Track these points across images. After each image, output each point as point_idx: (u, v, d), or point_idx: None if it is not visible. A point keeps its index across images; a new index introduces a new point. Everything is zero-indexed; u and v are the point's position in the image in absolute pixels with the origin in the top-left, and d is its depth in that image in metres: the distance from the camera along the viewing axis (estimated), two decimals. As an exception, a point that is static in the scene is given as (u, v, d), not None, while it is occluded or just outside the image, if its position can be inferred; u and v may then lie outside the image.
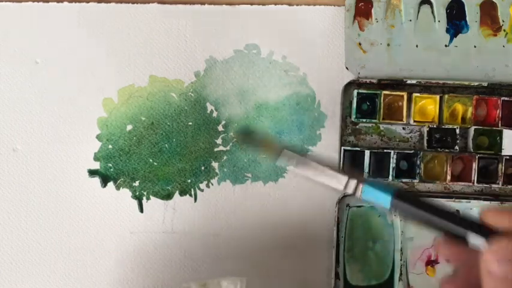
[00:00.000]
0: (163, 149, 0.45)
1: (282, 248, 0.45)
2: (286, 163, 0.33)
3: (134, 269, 0.45)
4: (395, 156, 0.43)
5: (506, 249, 0.27)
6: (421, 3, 0.44)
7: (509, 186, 0.44)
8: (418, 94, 0.44)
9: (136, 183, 0.46)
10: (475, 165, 0.43)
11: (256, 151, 0.42)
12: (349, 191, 0.30)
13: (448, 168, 0.43)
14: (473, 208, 0.44)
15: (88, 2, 0.46)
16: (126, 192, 0.46)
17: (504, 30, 0.44)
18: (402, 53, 0.44)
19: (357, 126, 0.45)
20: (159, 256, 0.46)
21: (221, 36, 0.46)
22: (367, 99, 0.44)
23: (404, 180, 0.44)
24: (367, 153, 0.43)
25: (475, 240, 0.29)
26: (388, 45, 0.44)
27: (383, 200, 0.29)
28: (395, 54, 0.44)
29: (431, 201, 0.30)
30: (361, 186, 0.30)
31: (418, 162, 0.43)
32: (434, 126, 0.43)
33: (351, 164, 0.44)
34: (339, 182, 0.30)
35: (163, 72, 0.46)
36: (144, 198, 0.46)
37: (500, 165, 0.43)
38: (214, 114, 0.46)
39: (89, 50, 0.46)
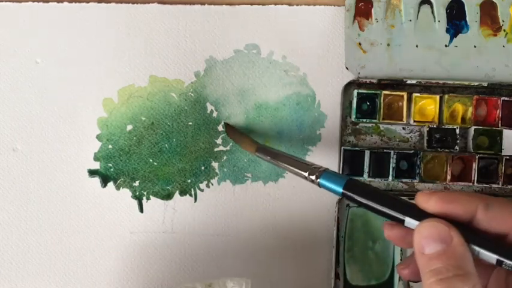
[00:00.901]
0: (163, 149, 0.45)
1: (282, 248, 0.45)
2: (263, 158, 0.41)
3: (134, 269, 0.46)
4: (395, 156, 0.43)
5: (433, 229, 0.29)
6: (421, 3, 0.44)
7: (509, 186, 0.44)
8: (418, 94, 0.44)
9: (136, 183, 0.46)
10: (475, 165, 0.43)
11: (237, 145, 0.45)
12: (313, 178, 0.35)
13: (448, 168, 0.43)
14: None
15: (88, 2, 0.46)
16: (126, 192, 0.46)
17: (504, 30, 0.44)
18: (402, 53, 0.44)
19: (357, 126, 0.45)
20: (159, 256, 0.46)
21: (221, 36, 0.46)
22: (367, 99, 0.44)
23: (404, 180, 0.44)
24: (367, 153, 0.43)
25: (411, 223, 0.31)
26: (388, 45, 0.44)
27: (336, 188, 0.34)
28: (395, 54, 0.44)
29: (377, 190, 0.34)
30: (318, 179, 0.35)
31: (418, 162, 0.43)
32: (434, 126, 0.43)
33: (350, 164, 0.44)
34: (304, 172, 0.36)
35: (163, 72, 0.46)
36: (144, 198, 0.46)
37: (500, 165, 0.43)
38: (214, 114, 0.46)
39: (89, 50, 0.46)
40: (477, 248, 0.29)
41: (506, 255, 0.29)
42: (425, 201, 0.30)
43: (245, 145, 0.43)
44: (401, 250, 0.45)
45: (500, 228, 0.29)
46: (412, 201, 0.32)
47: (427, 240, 0.29)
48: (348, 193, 0.33)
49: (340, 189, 0.33)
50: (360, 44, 0.44)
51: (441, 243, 0.28)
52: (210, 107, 0.46)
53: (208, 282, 0.39)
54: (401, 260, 0.45)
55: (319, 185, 0.35)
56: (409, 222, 0.31)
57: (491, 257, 0.29)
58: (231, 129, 0.45)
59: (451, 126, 0.43)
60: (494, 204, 0.30)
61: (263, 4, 0.46)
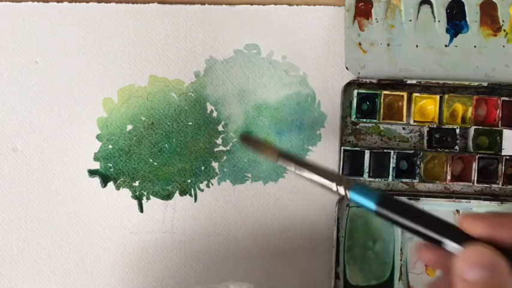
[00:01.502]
0: (163, 149, 0.45)
1: (282, 248, 0.45)
2: (285, 165, 0.36)
3: (134, 269, 0.46)
4: (395, 156, 0.43)
5: (478, 256, 0.27)
6: (421, 3, 0.44)
7: (509, 186, 0.44)
8: (418, 94, 0.44)
9: (136, 183, 0.46)
10: (475, 165, 0.43)
11: (256, 153, 0.43)
12: (341, 192, 0.32)
13: (448, 168, 0.43)
14: (473, 208, 0.44)
15: (88, 2, 0.46)
16: (126, 192, 0.46)
17: (504, 30, 0.44)
18: (402, 53, 0.44)
19: (357, 126, 0.45)
20: (159, 256, 0.46)
21: (221, 36, 0.46)
22: (367, 99, 0.44)
23: (404, 180, 0.44)
24: (367, 153, 0.43)
25: (451, 246, 0.29)
26: (388, 45, 0.44)
27: (368, 205, 0.31)
28: (395, 54, 0.44)
29: (412, 207, 0.31)
30: (348, 192, 0.31)
31: (418, 162, 0.43)
32: (434, 126, 0.43)
33: (350, 164, 0.44)
34: (330, 186, 0.32)
35: (163, 72, 0.46)
36: (144, 198, 0.46)
37: (500, 165, 0.43)
38: (214, 114, 0.46)
39: (89, 50, 0.46)
40: None
41: None
42: (471, 223, 0.29)
43: (267, 153, 0.38)
44: (401, 250, 0.45)
45: None
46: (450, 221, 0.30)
47: (471, 265, 0.27)
48: (383, 210, 0.30)
49: (372, 206, 0.30)
50: (360, 44, 0.44)
51: (486, 270, 0.27)
52: (210, 107, 0.46)
53: (211, 286, 0.39)
54: (401, 260, 0.45)
55: (349, 198, 0.32)
56: (450, 245, 0.29)
57: None
58: (246, 139, 0.41)
59: (451, 126, 0.43)
60: None
61: (263, 4, 0.46)
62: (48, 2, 0.46)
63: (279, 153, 0.37)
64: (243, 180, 0.46)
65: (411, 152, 0.44)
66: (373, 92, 0.44)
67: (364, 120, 0.44)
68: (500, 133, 0.43)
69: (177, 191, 0.46)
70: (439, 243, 0.29)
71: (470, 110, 0.44)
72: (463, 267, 0.28)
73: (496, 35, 0.44)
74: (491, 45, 0.44)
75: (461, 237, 0.29)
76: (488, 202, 0.44)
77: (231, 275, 0.45)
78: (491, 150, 0.43)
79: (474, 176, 0.43)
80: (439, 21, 0.44)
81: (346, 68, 0.44)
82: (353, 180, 0.32)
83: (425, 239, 0.30)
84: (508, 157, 0.43)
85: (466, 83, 0.44)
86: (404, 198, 0.44)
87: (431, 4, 0.44)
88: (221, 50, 0.46)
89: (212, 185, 0.46)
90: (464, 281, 0.27)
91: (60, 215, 0.46)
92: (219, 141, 0.46)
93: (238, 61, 0.46)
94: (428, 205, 0.44)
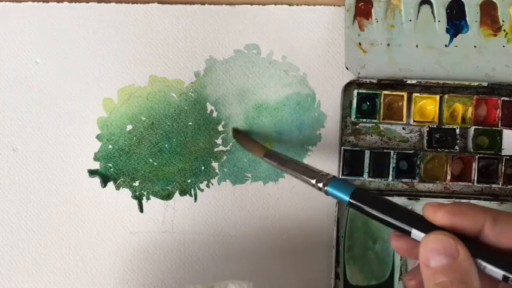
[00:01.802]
0: (163, 149, 0.45)
1: (282, 248, 0.45)
2: (270, 163, 0.40)
3: (134, 269, 0.46)
4: (395, 156, 0.43)
5: (439, 243, 0.28)
6: (421, 3, 0.44)
7: (509, 186, 0.44)
8: (418, 94, 0.44)
9: (136, 183, 0.46)
10: (475, 165, 0.43)
11: (243, 149, 0.45)
12: (320, 187, 0.35)
13: (448, 168, 0.43)
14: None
15: (88, 2, 0.46)
16: (126, 192, 0.46)
17: (504, 30, 0.44)
18: (402, 53, 0.44)
19: (357, 126, 0.45)
20: (159, 256, 0.46)
21: (221, 36, 0.46)
22: (367, 99, 0.44)
23: (404, 180, 0.44)
24: (367, 153, 0.43)
25: (416, 235, 0.30)
26: (388, 45, 0.44)
27: (343, 197, 0.33)
28: (395, 54, 0.44)
29: (382, 199, 0.33)
30: (326, 187, 0.34)
31: (418, 162, 0.43)
32: (434, 126, 0.43)
33: (350, 164, 0.44)
34: (312, 182, 0.35)
35: (163, 72, 0.46)
36: (144, 198, 0.46)
37: (500, 165, 0.43)
38: (214, 114, 0.46)
39: (89, 50, 0.46)
40: (483, 263, 0.29)
41: None
42: (433, 213, 0.30)
43: (253, 150, 0.43)
44: (401, 250, 0.45)
45: (508, 243, 0.29)
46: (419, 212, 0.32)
47: (432, 253, 0.28)
48: (355, 202, 0.33)
49: (347, 198, 0.33)
50: (360, 44, 0.44)
51: (447, 256, 0.28)
52: (210, 107, 0.46)
53: (210, 284, 0.39)
54: (401, 260, 0.45)
55: (327, 192, 0.34)
56: (416, 234, 0.30)
57: (497, 272, 0.29)
58: (238, 135, 0.45)
59: (451, 126, 0.43)
60: (502, 219, 0.29)
61: (263, 4, 0.46)
62: (48, 2, 0.46)
63: (265, 151, 0.41)
64: (243, 180, 0.46)
65: (411, 152, 0.44)
66: (373, 92, 0.44)
67: (364, 120, 0.44)
68: (500, 133, 0.43)
69: (177, 191, 0.46)
70: (408, 233, 0.31)
71: (470, 110, 0.44)
72: (424, 254, 0.29)
73: (496, 35, 0.44)
74: (491, 45, 0.44)
75: (426, 226, 0.30)
76: (488, 202, 0.44)
77: (231, 275, 0.45)
78: (491, 150, 0.43)
79: (474, 176, 0.43)
80: (439, 21, 0.44)
81: (346, 68, 0.44)
82: (331, 176, 0.35)
83: (396, 229, 0.31)
84: (508, 157, 0.43)
85: (466, 83, 0.44)
86: (404, 199, 0.44)
87: (431, 4, 0.44)
88: (221, 50, 0.46)
89: (212, 185, 0.46)
90: (427, 267, 0.28)
91: (60, 215, 0.46)
92: (219, 141, 0.46)
93: (238, 61, 0.46)
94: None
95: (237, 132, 0.45)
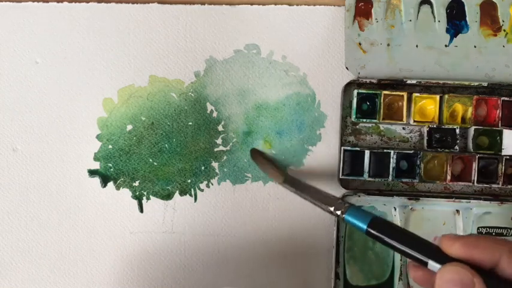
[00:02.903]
0: (163, 149, 0.45)
1: (282, 248, 0.45)
2: (288, 189, 0.41)
3: (134, 269, 0.46)
4: (395, 156, 0.43)
5: (455, 274, 0.28)
6: (421, 3, 0.44)
7: (509, 186, 0.44)
8: (418, 94, 0.44)
9: (136, 183, 0.46)
10: (475, 165, 0.43)
11: (261, 171, 0.45)
12: (339, 215, 0.36)
13: (448, 168, 0.43)
14: (473, 208, 0.44)
15: (88, 2, 0.46)
16: (126, 192, 0.46)
17: (504, 30, 0.44)
18: (402, 53, 0.44)
19: (357, 126, 0.45)
20: (159, 256, 0.46)
21: (221, 36, 0.46)
22: (367, 99, 0.44)
23: (404, 180, 0.44)
24: (367, 153, 0.43)
25: (433, 266, 0.30)
26: (388, 45, 0.44)
27: (361, 225, 0.34)
28: (395, 54, 0.44)
29: (400, 229, 0.34)
30: (343, 215, 0.35)
31: (418, 162, 0.43)
32: (434, 126, 0.43)
33: (350, 164, 0.44)
34: (330, 209, 0.37)
35: (163, 72, 0.46)
36: (144, 198, 0.46)
37: (500, 165, 0.43)
38: (214, 114, 0.46)
39: (89, 50, 0.46)
40: None
41: None
42: (450, 245, 0.30)
43: (272, 175, 0.43)
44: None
45: None
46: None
47: (448, 284, 0.28)
48: (373, 231, 0.33)
49: (364, 227, 0.33)
50: (360, 44, 0.44)
51: None
52: (210, 107, 0.46)
53: None
54: (401, 260, 0.45)
55: (344, 220, 0.35)
56: (432, 265, 0.30)
57: None
58: (256, 155, 0.45)
59: (451, 126, 0.43)
60: None
61: (263, 4, 0.46)
62: (48, 2, 0.46)
63: (284, 177, 0.42)
64: (243, 180, 0.46)
65: (411, 152, 0.44)
66: (373, 92, 0.44)
67: (364, 120, 0.44)
68: (500, 133, 0.43)
69: (177, 191, 0.46)
70: (424, 264, 0.31)
71: (470, 110, 0.44)
72: (441, 285, 0.29)
73: (496, 35, 0.44)
74: (491, 45, 0.44)
75: (442, 258, 0.30)
76: (488, 202, 0.44)
77: (230, 275, 0.45)
78: (491, 150, 0.43)
79: (474, 176, 0.43)
80: (439, 21, 0.44)
81: (346, 68, 0.44)
82: (349, 205, 0.35)
83: (413, 259, 0.32)
84: (508, 157, 0.43)
85: (466, 83, 0.44)
86: (404, 199, 0.44)
87: (431, 4, 0.44)
88: (221, 50, 0.46)
89: (212, 185, 0.46)
90: None
91: (60, 215, 0.46)
92: (219, 141, 0.46)
93: (238, 61, 0.46)
94: (428, 205, 0.44)
95: (255, 152, 0.45)
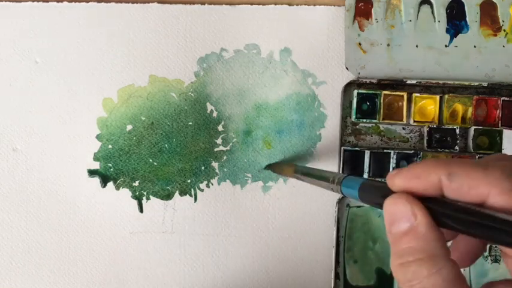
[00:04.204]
0: (163, 149, 0.45)
1: (282, 248, 0.45)
2: (299, 178, 0.39)
3: (134, 269, 0.46)
4: (395, 156, 0.43)
5: (394, 207, 0.26)
6: (421, 3, 0.44)
7: (509, 186, 0.44)
8: (418, 94, 0.44)
9: (136, 183, 0.46)
10: (475, 165, 0.43)
11: (280, 175, 0.45)
12: (336, 191, 0.33)
13: (448, 168, 0.43)
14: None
15: (88, 2, 0.46)
16: (126, 192, 0.46)
17: (504, 30, 0.44)
18: (402, 53, 0.44)
19: (357, 126, 0.45)
20: (159, 256, 0.46)
21: (221, 36, 0.46)
22: (367, 99, 0.44)
23: (404, 180, 0.44)
24: (367, 153, 0.43)
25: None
26: (388, 45, 0.44)
27: (353, 193, 0.30)
28: (395, 54, 0.44)
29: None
30: (339, 185, 0.32)
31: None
32: (434, 126, 0.43)
33: (350, 164, 0.44)
34: (328, 186, 0.34)
35: (163, 72, 0.46)
36: (144, 198, 0.46)
37: (500, 165, 0.43)
38: (214, 114, 0.46)
39: (89, 49, 0.46)
40: (451, 223, 0.25)
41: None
42: (391, 181, 0.27)
43: (285, 172, 0.43)
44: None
45: (471, 199, 0.25)
46: None
47: (390, 218, 0.26)
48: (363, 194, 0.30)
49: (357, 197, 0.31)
50: (360, 44, 0.44)
51: (405, 221, 0.25)
52: (210, 107, 0.46)
53: None
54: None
55: (342, 193, 0.33)
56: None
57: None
58: (272, 167, 0.45)
59: (451, 126, 0.43)
60: (457, 173, 0.25)
61: (263, 4, 0.46)
62: (48, 2, 0.46)
63: (294, 169, 0.40)
64: (243, 180, 0.46)
65: (411, 152, 0.44)
66: (373, 92, 0.44)
67: (364, 120, 0.44)
68: (500, 133, 0.43)
69: (177, 191, 0.46)
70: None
71: (470, 110, 0.44)
72: (386, 218, 0.26)
73: (496, 35, 0.44)
74: (491, 45, 0.44)
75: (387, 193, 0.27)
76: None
77: (230, 275, 0.45)
78: (491, 150, 0.43)
79: (474, 176, 0.43)
80: (439, 21, 0.44)
81: (346, 68, 0.44)
82: (345, 175, 0.32)
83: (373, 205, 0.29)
84: (508, 157, 0.43)
85: (466, 83, 0.44)
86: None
87: (431, 4, 0.44)
88: (221, 50, 0.46)
89: (212, 185, 0.46)
90: (389, 233, 0.26)
91: (60, 214, 0.46)
92: (219, 141, 0.46)
93: (238, 61, 0.46)
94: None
95: (270, 167, 0.45)
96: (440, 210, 0.25)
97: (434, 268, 0.24)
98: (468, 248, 0.30)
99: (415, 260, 0.25)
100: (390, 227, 0.26)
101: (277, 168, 0.45)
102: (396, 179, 0.27)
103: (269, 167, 0.45)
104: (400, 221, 0.26)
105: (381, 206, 0.28)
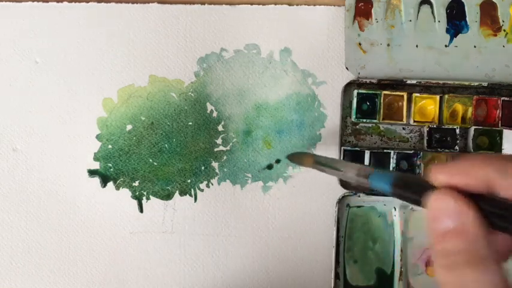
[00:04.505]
0: (163, 149, 0.45)
1: (282, 248, 0.45)
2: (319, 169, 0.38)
3: (134, 269, 0.45)
4: (395, 156, 0.43)
5: (440, 202, 0.25)
6: (421, 3, 0.44)
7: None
8: (418, 94, 0.44)
9: (136, 183, 0.46)
10: (475, 165, 0.43)
11: (301, 166, 0.44)
12: (362, 183, 0.31)
13: (448, 168, 0.43)
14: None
15: (88, 2, 0.46)
16: (126, 192, 0.46)
17: (504, 30, 0.44)
18: (402, 53, 0.44)
19: (357, 126, 0.45)
20: (159, 256, 0.46)
21: (221, 36, 0.46)
22: (367, 99, 0.44)
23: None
24: (367, 153, 0.43)
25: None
26: (388, 45, 0.44)
27: (385, 187, 0.29)
28: (395, 54, 0.44)
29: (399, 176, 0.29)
30: (367, 180, 0.30)
31: (418, 162, 0.43)
32: (434, 126, 0.43)
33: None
34: (352, 178, 0.32)
35: (163, 72, 0.46)
36: (144, 198, 0.46)
37: (500, 165, 0.43)
38: (214, 114, 0.46)
39: (89, 49, 0.46)
40: (498, 222, 0.24)
41: None
42: (436, 177, 0.26)
43: (304, 162, 0.41)
44: (401, 250, 0.45)
45: None
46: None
47: (436, 214, 0.25)
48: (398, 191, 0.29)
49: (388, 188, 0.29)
50: (360, 44, 0.44)
51: (453, 219, 0.24)
52: (210, 107, 0.46)
53: None
54: (401, 260, 0.45)
55: (371, 185, 0.31)
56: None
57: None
58: (291, 158, 0.43)
59: (451, 126, 0.43)
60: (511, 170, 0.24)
61: (263, 4, 0.46)
62: (48, 2, 0.46)
63: (314, 159, 0.38)
64: (243, 180, 0.46)
65: (411, 152, 0.44)
66: (373, 92, 0.44)
67: (364, 120, 0.44)
68: (500, 133, 0.43)
69: (177, 191, 0.46)
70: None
71: (470, 110, 0.44)
72: (429, 214, 0.25)
73: (496, 35, 0.44)
74: (491, 45, 0.44)
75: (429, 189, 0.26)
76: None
77: (230, 275, 0.45)
78: (491, 150, 0.43)
79: (474, 176, 0.43)
80: (439, 21, 0.44)
81: (346, 68, 0.44)
82: (373, 168, 0.31)
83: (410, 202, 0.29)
84: (508, 157, 0.43)
85: (466, 83, 0.44)
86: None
87: (431, 4, 0.44)
88: (221, 50, 0.46)
89: (212, 185, 0.46)
90: (433, 229, 0.25)
91: (60, 215, 0.46)
92: (219, 141, 0.46)
93: (238, 61, 0.46)
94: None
95: (291, 157, 0.44)
96: (489, 209, 0.24)
97: (482, 271, 0.23)
98: (509, 245, 0.27)
99: (463, 262, 0.24)
100: (434, 223, 0.25)
101: (297, 158, 0.43)
102: (441, 174, 0.26)
103: (289, 157, 0.43)
104: (447, 217, 0.24)
105: (416, 202, 0.27)
